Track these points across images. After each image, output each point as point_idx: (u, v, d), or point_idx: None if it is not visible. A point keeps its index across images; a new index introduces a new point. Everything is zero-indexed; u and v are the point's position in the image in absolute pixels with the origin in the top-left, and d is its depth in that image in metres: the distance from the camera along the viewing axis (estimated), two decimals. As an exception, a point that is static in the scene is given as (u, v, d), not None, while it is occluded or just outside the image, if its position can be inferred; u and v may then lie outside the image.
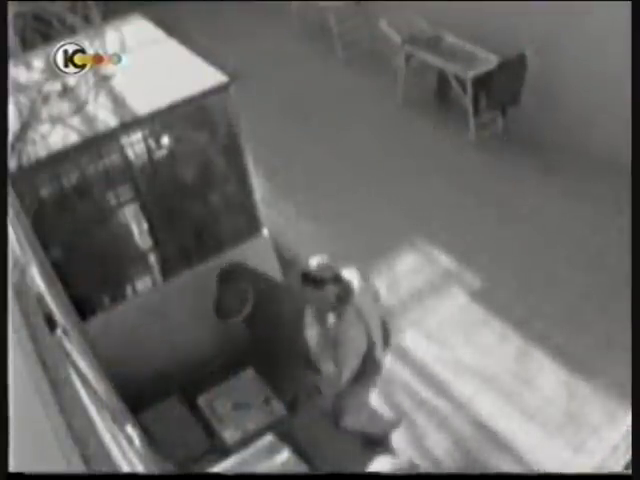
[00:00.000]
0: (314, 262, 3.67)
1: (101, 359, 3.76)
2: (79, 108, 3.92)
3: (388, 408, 4.57)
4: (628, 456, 3.81)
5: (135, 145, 4.07)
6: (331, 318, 3.71)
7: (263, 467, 3.51)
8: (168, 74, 4.18)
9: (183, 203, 4.37)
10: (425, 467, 4.13)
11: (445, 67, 6.77)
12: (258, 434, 3.84)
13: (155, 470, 3.21)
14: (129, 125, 3.94)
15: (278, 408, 4.15)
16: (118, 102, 4.02)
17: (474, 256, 5.59)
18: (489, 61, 6.51)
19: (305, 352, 3.86)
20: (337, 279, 3.66)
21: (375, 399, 4.32)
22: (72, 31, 3.86)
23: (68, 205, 3.98)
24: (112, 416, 2.84)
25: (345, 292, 3.68)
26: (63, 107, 3.91)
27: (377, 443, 4.14)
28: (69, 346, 2.67)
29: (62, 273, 3.93)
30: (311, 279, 3.64)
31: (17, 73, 3.81)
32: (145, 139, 4.08)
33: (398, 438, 4.38)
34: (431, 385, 4.71)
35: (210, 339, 4.60)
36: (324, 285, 3.63)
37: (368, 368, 3.81)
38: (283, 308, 4.22)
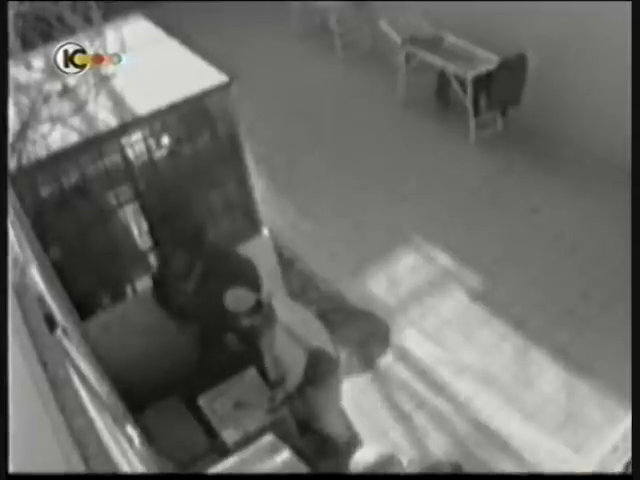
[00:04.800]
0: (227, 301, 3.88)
1: (101, 359, 3.76)
2: (79, 108, 3.92)
3: (387, 408, 4.58)
4: (628, 456, 3.81)
5: (135, 145, 4.07)
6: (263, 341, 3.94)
7: (263, 467, 3.51)
8: (168, 74, 4.18)
9: (183, 203, 4.37)
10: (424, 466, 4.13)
11: (445, 67, 6.77)
12: (258, 434, 3.84)
13: (155, 470, 3.21)
14: (129, 125, 3.95)
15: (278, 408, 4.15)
16: (118, 102, 4.02)
17: (474, 256, 5.59)
18: (489, 61, 6.51)
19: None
20: (257, 306, 3.83)
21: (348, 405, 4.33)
22: (72, 31, 3.86)
23: (68, 205, 3.98)
24: (112, 416, 2.84)
25: (267, 316, 3.86)
26: (63, 107, 3.92)
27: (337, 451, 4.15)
28: (69, 346, 2.67)
29: (62, 273, 3.94)
30: (233, 316, 3.85)
31: (17, 73, 3.81)
32: (145, 139, 4.08)
33: (398, 438, 4.39)
34: (431, 385, 4.71)
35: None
36: (244, 317, 3.84)
37: (320, 370, 3.90)
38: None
